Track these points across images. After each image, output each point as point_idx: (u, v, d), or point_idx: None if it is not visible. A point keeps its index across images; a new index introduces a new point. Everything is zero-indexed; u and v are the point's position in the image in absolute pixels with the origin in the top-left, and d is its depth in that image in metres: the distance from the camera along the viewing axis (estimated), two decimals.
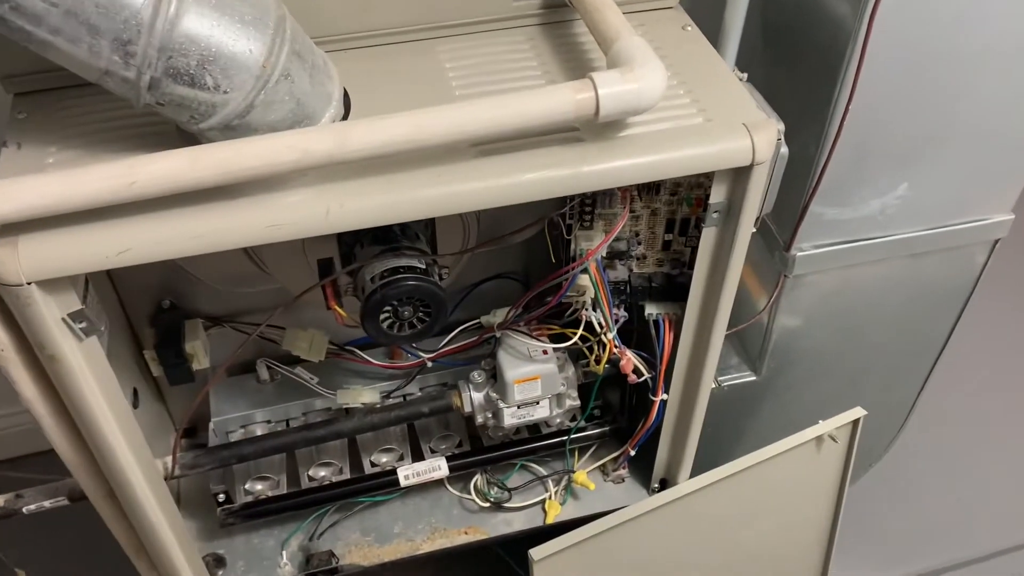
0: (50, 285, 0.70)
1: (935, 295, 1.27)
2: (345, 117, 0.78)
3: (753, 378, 1.31)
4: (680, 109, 0.81)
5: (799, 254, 1.13)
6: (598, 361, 1.02)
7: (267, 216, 0.71)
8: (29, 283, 0.68)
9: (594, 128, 0.77)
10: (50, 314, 0.72)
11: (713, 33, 0.93)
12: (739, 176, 0.81)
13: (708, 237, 0.87)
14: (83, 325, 0.75)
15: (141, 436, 0.90)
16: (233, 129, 0.70)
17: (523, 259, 1.16)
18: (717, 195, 0.83)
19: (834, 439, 1.23)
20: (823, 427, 1.20)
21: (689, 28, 0.91)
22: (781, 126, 0.83)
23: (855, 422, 1.21)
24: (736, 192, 0.83)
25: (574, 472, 1.18)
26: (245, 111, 0.69)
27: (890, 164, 1.08)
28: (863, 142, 1.03)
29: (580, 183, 0.77)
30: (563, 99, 0.71)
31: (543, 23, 0.91)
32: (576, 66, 0.85)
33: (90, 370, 0.78)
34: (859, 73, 0.94)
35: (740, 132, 0.78)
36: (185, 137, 0.74)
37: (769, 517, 1.30)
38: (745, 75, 0.90)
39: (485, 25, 0.90)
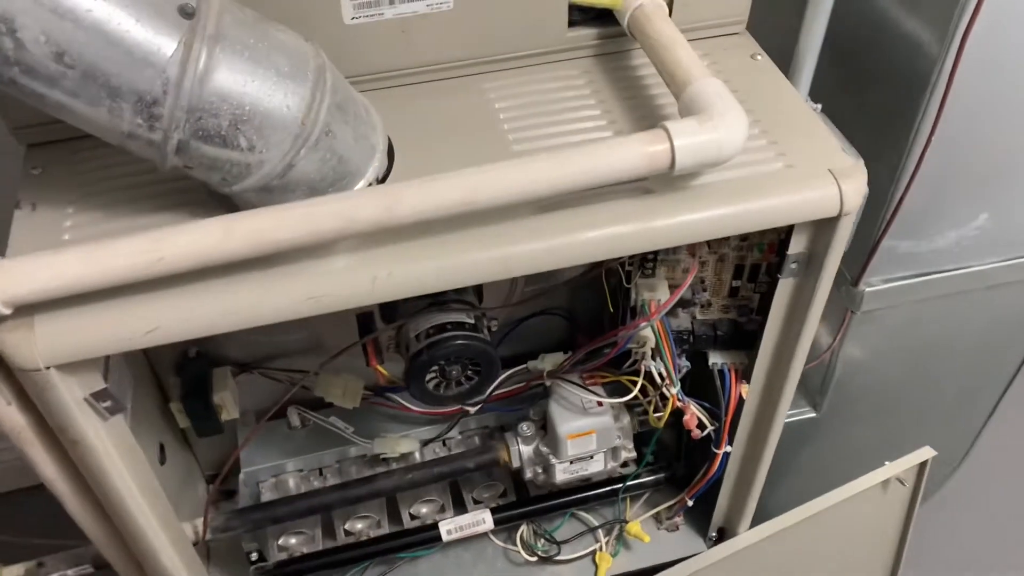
0: (70, 367, 0.64)
1: (1007, 327, 1.19)
2: (390, 169, 0.71)
3: (813, 415, 1.24)
4: (757, 153, 0.73)
5: (868, 289, 1.06)
6: (657, 412, 0.94)
7: (307, 287, 0.64)
8: (47, 367, 0.61)
9: (665, 178, 0.69)
10: (71, 396, 0.65)
11: (777, 55, 0.85)
12: (823, 227, 0.74)
13: (784, 288, 0.80)
14: (107, 404, 0.68)
15: (169, 505, 0.84)
16: (270, 191, 0.63)
17: (568, 295, 1.09)
18: (797, 245, 0.76)
19: (902, 482, 1.15)
20: (890, 469, 1.13)
21: (759, 57, 0.83)
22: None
23: (923, 463, 1.14)
24: (819, 243, 0.75)
25: (627, 522, 1.11)
26: (283, 171, 0.62)
27: (969, 194, 1.00)
28: (943, 173, 0.95)
29: (650, 240, 0.69)
30: (635, 153, 0.63)
31: (598, 54, 0.83)
32: (640, 104, 0.78)
33: (115, 450, 0.71)
34: (945, 101, 0.86)
35: (826, 179, 0.70)
36: (216, 197, 0.68)
37: (831, 563, 1.22)
38: (819, 106, 0.82)
39: (536, 58, 0.82)
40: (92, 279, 0.58)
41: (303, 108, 0.60)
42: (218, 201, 0.68)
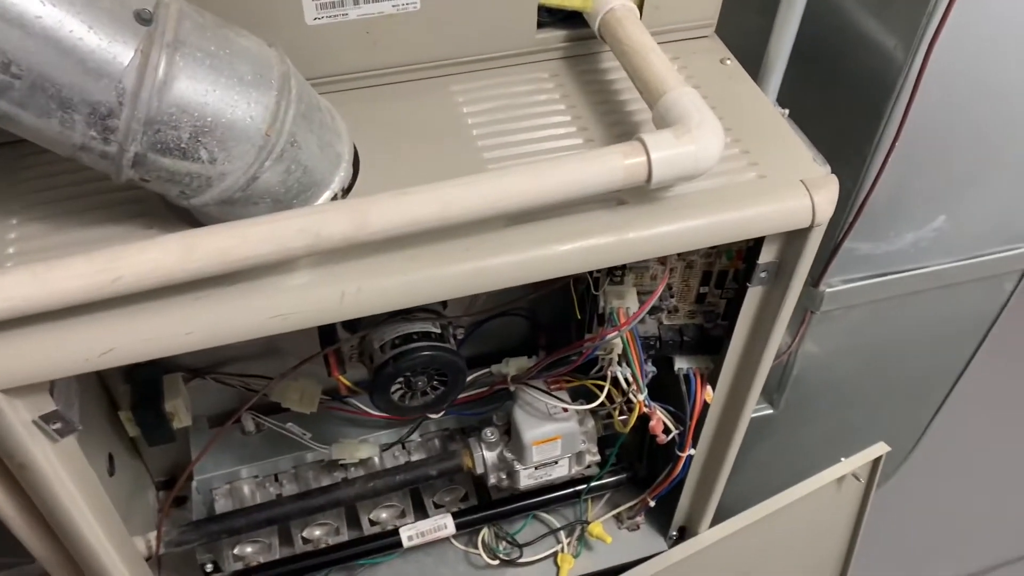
0: (17, 390, 0.60)
1: (961, 324, 1.22)
2: (355, 178, 0.68)
3: (770, 411, 1.25)
4: (730, 163, 0.72)
5: (828, 290, 1.06)
6: (623, 417, 0.93)
7: (271, 305, 0.61)
8: None
9: (639, 190, 0.68)
10: (19, 419, 0.62)
11: (741, 56, 0.84)
12: (793, 237, 0.73)
13: (753, 296, 0.79)
14: (57, 426, 0.65)
15: (119, 521, 0.81)
16: (232, 203, 0.60)
17: (530, 295, 1.07)
18: (767, 255, 0.75)
19: (857, 477, 1.17)
20: (846, 466, 1.15)
21: (729, 62, 0.82)
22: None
23: (877, 459, 1.16)
24: (789, 253, 0.75)
25: (589, 523, 1.11)
26: (246, 184, 0.59)
27: (929, 197, 1.01)
28: (904, 176, 0.96)
29: (625, 252, 0.68)
30: (611, 166, 0.62)
31: (567, 56, 0.82)
32: (612, 110, 0.76)
33: (65, 471, 0.68)
34: (909, 108, 0.86)
35: (798, 190, 0.70)
36: (174, 209, 0.64)
37: (787, 557, 1.24)
38: (787, 111, 0.81)
39: (504, 60, 0.80)
40: (44, 300, 0.54)
41: (267, 118, 0.58)
42: (176, 213, 0.64)
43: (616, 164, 0.62)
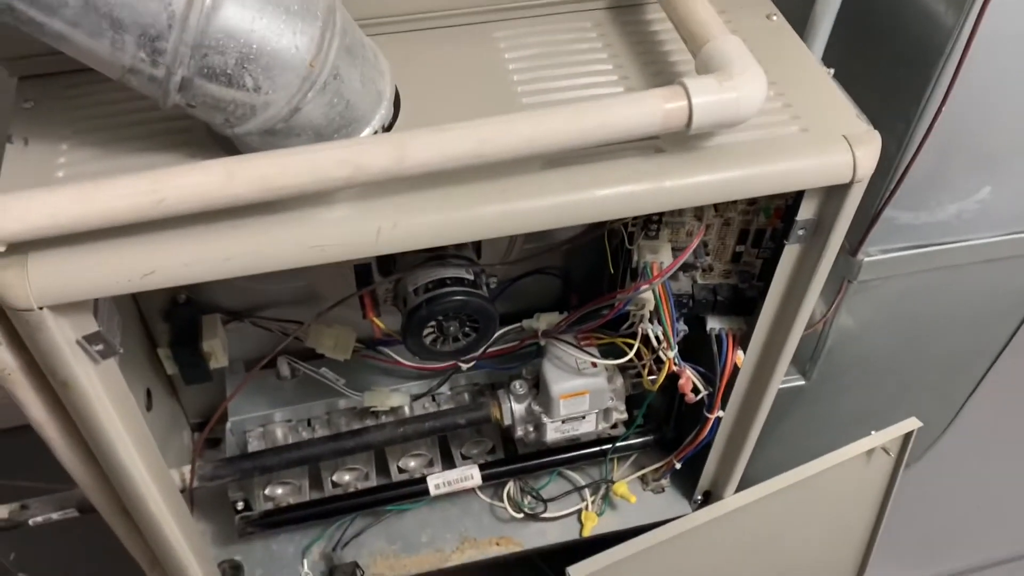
0: (64, 308, 0.62)
1: (1001, 301, 1.19)
2: (395, 117, 0.69)
3: (802, 382, 1.24)
4: (772, 115, 0.71)
5: (866, 259, 1.05)
6: (652, 375, 0.94)
7: (309, 236, 0.62)
8: (40, 308, 0.60)
9: (678, 137, 0.67)
10: (63, 338, 0.63)
11: (787, 15, 0.83)
12: (833, 193, 0.73)
13: (790, 255, 0.79)
14: (99, 347, 0.67)
15: (157, 451, 0.83)
16: (274, 134, 0.61)
17: (564, 255, 1.07)
18: (806, 212, 0.75)
19: (887, 451, 1.17)
20: (876, 439, 1.14)
21: (775, 17, 0.82)
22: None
23: (908, 434, 1.15)
24: (828, 210, 0.74)
25: (613, 482, 1.11)
26: (289, 115, 0.60)
27: (974, 167, 0.99)
28: (949, 144, 0.94)
29: (661, 200, 0.68)
30: (650, 109, 0.62)
31: (610, 7, 0.81)
32: (654, 60, 0.76)
33: (106, 394, 0.70)
34: (958, 73, 0.85)
35: (840, 145, 0.69)
36: (217, 138, 0.66)
37: (811, 528, 1.24)
38: (832, 71, 0.80)
39: (548, 8, 0.80)
40: (89, 218, 0.56)
41: (312, 49, 0.58)
42: (219, 143, 0.66)
43: (656, 107, 0.61)
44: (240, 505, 1.02)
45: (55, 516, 0.91)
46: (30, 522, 0.91)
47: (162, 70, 0.55)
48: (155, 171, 0.57)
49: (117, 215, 0.56)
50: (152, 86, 0.57)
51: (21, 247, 0.58)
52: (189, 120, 0.66)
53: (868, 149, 0.69)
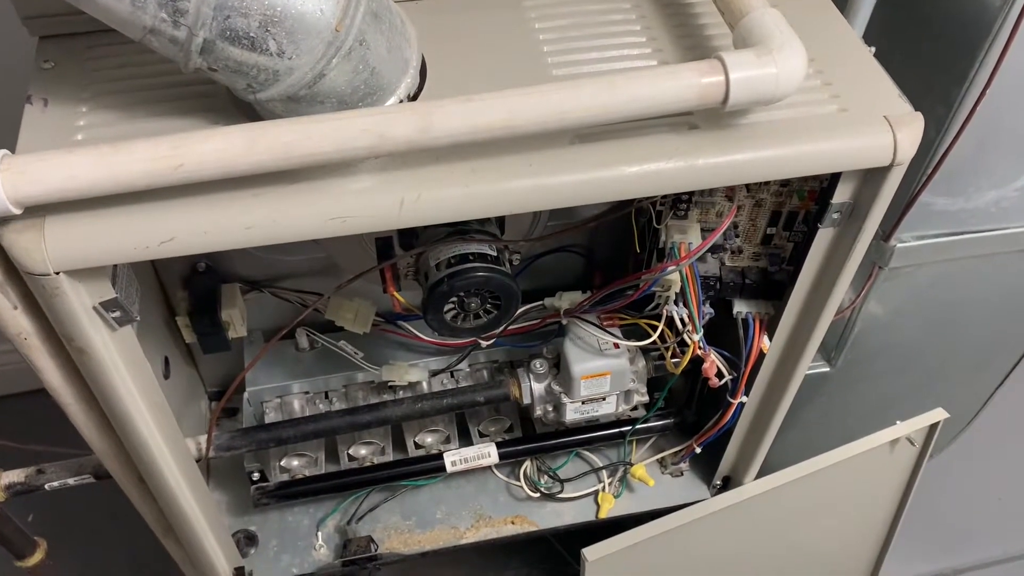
0: (81, 273, 0.61)
1: None
2: (421, 87, 0.67)
3: (827, 369, 1.21)
4: (810, 94, 0.69)
5: (899, 245, 1.02)
6: (675, 358, 0.92)
7: (331, 207, 0.61)
8: (57, 272, 0.59)
9: (712, 114, 0.65)
10: (80, 304, 0.62)
11: None
12: (871, 176, 0.70)
13: (823, 238, 0.77)
14: (116, 314, 0.66)
15: (173, 420, 0.82)
16: (297, 101, 0.60)
17: (588, 234, 1.05)
18: (842, 195, 0.72)
19: (911, 441, 1.14)
20: (902, 429, 1.12)
21: None
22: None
23: (934, 425, 1.13)
24: (865, 193, 0.72)
25: (632, 465, 1.10)
26: (313, 81, 0.58)
27: (1015, 154, 0.96)
28: (991, 129, 0.91)
29: (693, 178, 0.66)
30: (686, 84, 0.59)
31: None
32: (688, 33, 0.73)
33: (123, 361, 0.69)
34: (1004, 55, 0.82)
35: (880, 126, 0.67)
36: (240, 105, 0.64)
37: (831, 517, 1.22)
38: (873, 49, 0.78)
39: None
40: (108, 183, 0.55)
41: (338, 13, 0.56)
42: (241, 110, 0.64)
43: (692, 81, 0.59)
44: (256, 476, 1.02)
45: (71, 482, 0.91)
46: (46, 486, 0.91)
47: (183, 31, 0.54)
48: (175, 136, 0.55)
49: (135, 180, 0.55)
50: (173, 48, 0.55)
51: (38, 210, 0.57)
52: (211, 85, 0.64)
53: (910, 131, 0.67)
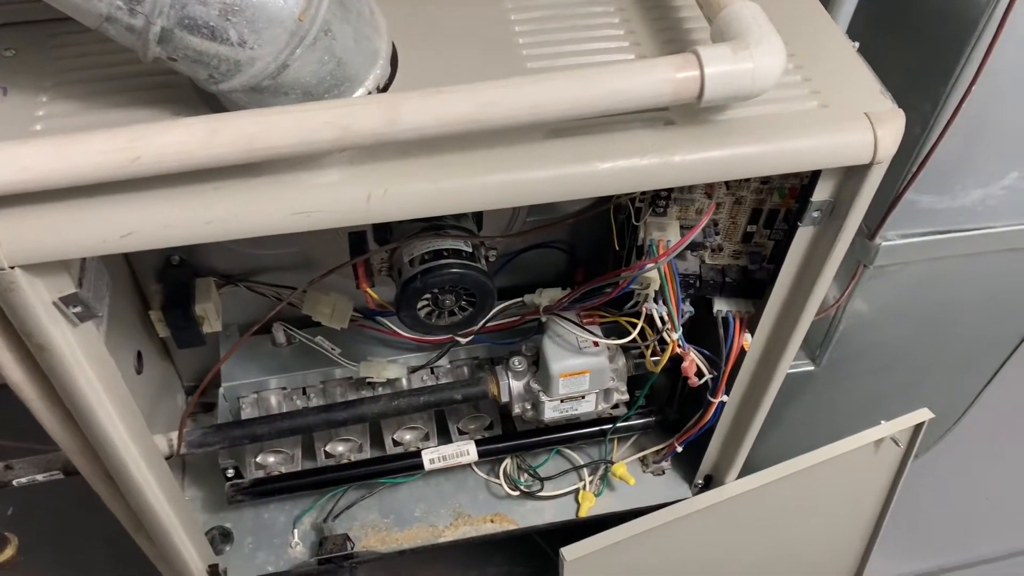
0: (38, 268, 0.59)
1: (1020, 291, 1.15)
2: (392, 78, 0.65)
3: (811, 368, 1.20)
4: (790, 89, 0.67)
5: (884, 243, 1.01)
6: (655, 357, 0.91)
7: (295, 201, 0.59)
8: (12, 267, 0.57)
9: (688, 110, 0.64)
10: (38, 299, 0.61)
11: None
12: (852, 174, 0.69)
13: (803, 237, 0.75)
14: (78, 310, 0.64)
15: (140, 417, 0.81)
16: (261, 92, 0.58)
17: (570, 230, 1.04)
18: (822, 193, 0.71)
19: (896, 442, 1.13)
20: (886, 429, 1.11)
21: None
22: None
23: (919, 425, 1.12)
24: (845, 191, 0.70)
25: (613, 463, 1.09)
26: (276, 72, 0.57)
27: (1001, 152, 0.94)
28: (977, 127, 0.90)
29: (670, 175, 0.64)
30: (661, 78, 0.58)
31: None
32: (668, 27, 0.72)
33: (85, 358, 0.67)
34: (990, 51, 0.80)
35: (861, 123, 0.65)
36: (203, 95, 0.62)
37: (814, 517, 1.21)
38: (856, 44, 0.76)
39: None
40: (62, 175, 0.53)
41: (301, 2, 0.55)
42: (205, 100, 0.62)
43: (666, 76, 0.58)
44: (231, 472, 1.00)
45: (40, 478, 0.90)
46: (15, 483, 0.89)
47: (140, 19, 0.52)
48: (132, 127, 0.54)
49: (91, 173, 0.53)
50: (131, 37, 0.54)
51: None
52: (175, 75, 0.62)
53: (891, 128, 0.65)
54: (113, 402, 0.73)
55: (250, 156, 0.55)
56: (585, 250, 1.05)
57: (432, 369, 1.06)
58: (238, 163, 0.55)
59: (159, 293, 0.95)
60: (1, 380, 0.71)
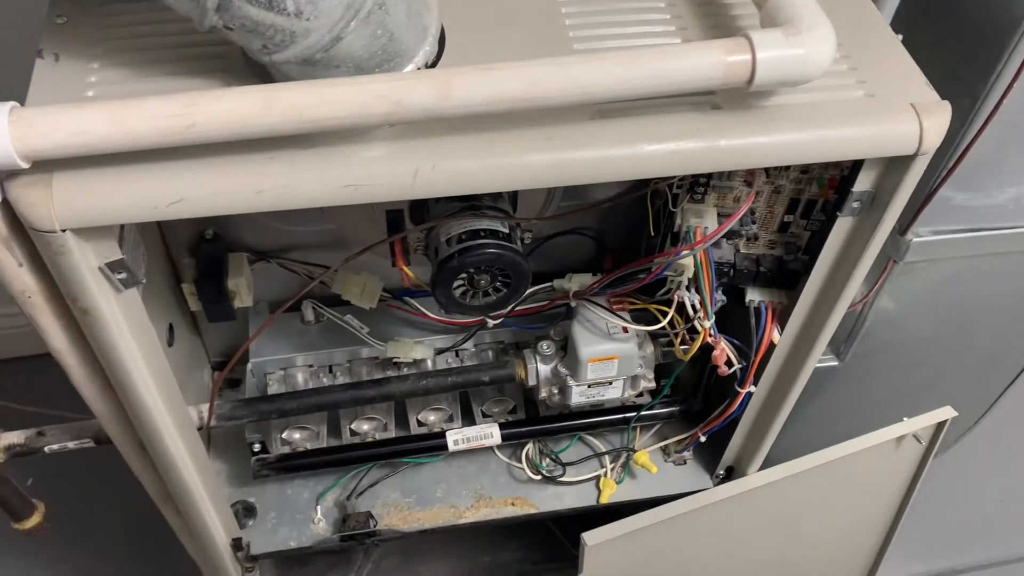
0: (88, 232, 0.60)
1: None
2: (440, 55, 0.65)
3: (835, 363, 1.20)
4: (836, 78, 0.67)
5: (915, 240, 1.01)
6: (684, 345, 0.91)
7: (344, 174, 0.60)
8: (64, 230, 0.58)
9: (736, 94, 0.64)
10: (86, 263, 0.62)
11: None
12: (895, 165, 0.69)
13: (841, 227, 0.75)
14: (122, 276, 0.65)
15: (176, 387, 0.81)
16: (313, 64, 0.58)
17: (600, 216, 1.04)
18: (863, 183, 0.71)
19: (918, 439, 1.13)
20: (908, 426, 1.11)
21: None
22: None
23: (942, 423, 1.12)
24: (887, 182, 0.70)
25: (635, 451, 1.09)
26: (330, 44, 0.57)
27: None
28: (1016, 124, 0.89)
29: (714, 160, 0.64)
30: (711, 61, 0.58)
31: None
32: (714, 11, 0.72)
33: (127, 324, 0.68)
34: None
35: (907, 114, 0.65)
36: (254, 67, 0.63)
37: (832, 512, 1.21)
38: (900, 36, 0.76)
39: None
40: (118, 139, 0.53)
41: None
42: (256, 72, 0.63)
43: (718, 59, 0.58)
44: (257, 447, 1.01)
45: (71, 445, 0.90)
46: (46, 449, 0.90)
47: None
48: (188, 94, 0.54)
49: (146, 137, 0.54)
50: (189, 4, 0.54)
51: (46, 166, 0.56)
52: (226, 46, 0.63)
53: (937, 120, 0.65)
54: (151, 370, 0.74)
55: (302, 127, 0.55)
56: (613, 239, 1.05)
57: (457, 352, 1.06)
58: (291, 133, 0.56)
59: (192, 267, 0.95)
60: (36, 350, 0.71)
